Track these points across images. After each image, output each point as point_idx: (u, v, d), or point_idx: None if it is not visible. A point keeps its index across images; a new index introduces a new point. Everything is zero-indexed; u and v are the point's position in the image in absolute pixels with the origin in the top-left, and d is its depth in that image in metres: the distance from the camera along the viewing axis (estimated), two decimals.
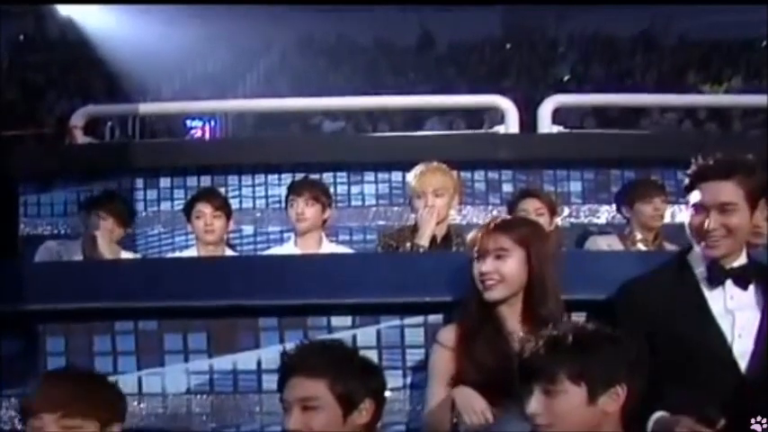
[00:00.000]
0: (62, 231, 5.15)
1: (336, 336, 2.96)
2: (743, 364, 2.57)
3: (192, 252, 4.45)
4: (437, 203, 4.05)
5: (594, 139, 5.95)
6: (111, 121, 10.95)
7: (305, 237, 4.29)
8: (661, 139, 6.70)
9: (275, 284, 3.06)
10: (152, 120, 12.56)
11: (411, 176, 4.15)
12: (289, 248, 4.34)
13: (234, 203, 4.71)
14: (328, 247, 4.34)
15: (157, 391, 3.05)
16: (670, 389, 2.50)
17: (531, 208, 4.33)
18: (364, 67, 18.22)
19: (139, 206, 5.05)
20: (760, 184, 2.62)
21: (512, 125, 5.56)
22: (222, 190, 4.87)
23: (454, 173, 4.29)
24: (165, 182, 5.18)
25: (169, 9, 16.24)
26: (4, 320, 3.00)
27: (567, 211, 5.10)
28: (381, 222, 5.09)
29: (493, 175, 5.18)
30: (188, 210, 4.42)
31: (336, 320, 3.05)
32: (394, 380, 2.95)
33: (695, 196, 2.63)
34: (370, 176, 5.17)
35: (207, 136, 13.85)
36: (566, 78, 18.05)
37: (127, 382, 3.00)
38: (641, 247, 4.38)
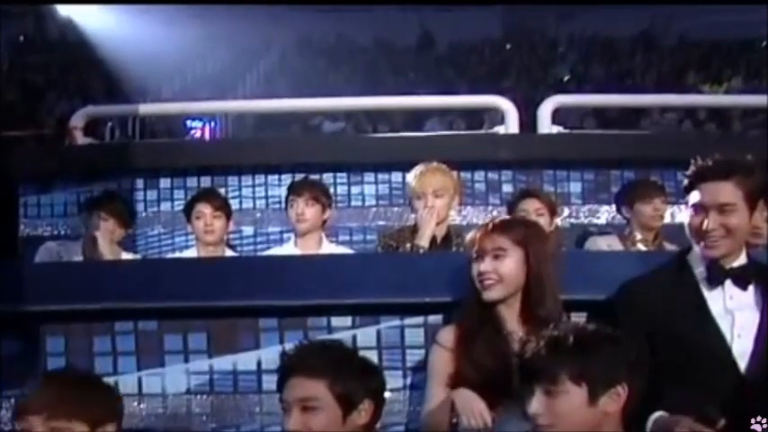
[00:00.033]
0: (62, 232, 5.15)
1: (336, 336, 2.96)
2: (742, 363, 2.57)
3: (191, 252, 4.45)
4: (437, 204, 4.05)
5: (594, 140, 5.95)
6: (111, 122, 10.96)
7: (305, 237, 4.29)
8: (661, 139, 6.69)
9: (275, 285, 3.06)
10: (152, 120, 12.54)
11: (411, 177, 4.15)
12: (289, 249, 4.34)
13: (234, 204, 4.71)
14: (328, 248, 4.34)
15: (157, 391, 3.05)
16: (670, 389, 2.50)
17: (531, 208, 4.32)
18: (364, 68, 18.22)
19: (139, 207, 5.05)
20: (759, 184, 2.62)
21: (512, 125, 5.56)
22: (222, 190, 4.87)
23: (454, 173, 4.29)
24: (164, 182, 5.18)
25: (169, 9, 16.25)
26: (4, 320, 3.00)
27: (566, 211, 5.11)
28: (381, 223, 5.09)
29: (493, 175, 5.18)
30: (188, 210, 4.42)
31: (336, 321, 3.05)
32: (394, 380, 2.95)
33: (694, 197, 2.64)
34: (370, 177, 5.17)
35: (207, 136, 13.85)
36: (565, 79, 18.05)
37: (127, 383, 3.01)
38: (641, 247, 4.39)
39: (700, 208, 2.62)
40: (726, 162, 2.62)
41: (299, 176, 4.67)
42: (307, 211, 4.25)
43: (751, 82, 16.55)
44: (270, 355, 3.00)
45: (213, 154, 5.45)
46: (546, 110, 5.55)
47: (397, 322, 3.04)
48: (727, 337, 2.60)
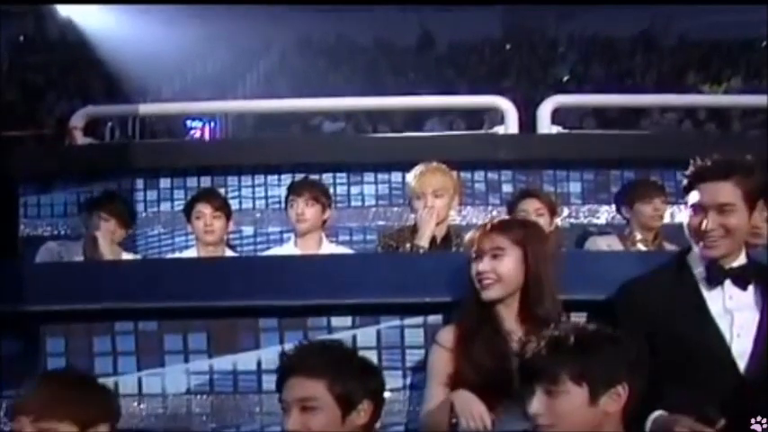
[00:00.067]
0: (62, 232, 5.15)
1: (336, 336, 2.96)
2: (742, 363, 2.58)
3: (191, 252, 4.46)
4: (437, 204, 4.05)
5: (594, 140, 5.96)
6: (111, 122, 10.96)
7: (305, 237, 4.29)
8: (661, 139, 6.69)
9: (275, 285, 3.06)
10: (152, 120, 12.54)
11: (411, 177, 4.15)
12: (288, 249, 4.35)
13: (234, 204, 4.71)
14: (328, 248, 4.34)
15: (157, 391, 3.05)
16: (669, 389, 2.50)
17: (532, 208, 4.32)
18: (364, 68, 18.22)
19: (139, 207, 5.04)
20: (758, 184, 2.63)
21: (511, 126, 5.56)
22: (222, 190, 4.87)
23: (454, 173, 4.28)
24: (164, 182, 5.18)
25: (169, 9, 16.25)
26: (4, 321, 3.00)
27: (566, 211, 5.11)
28: (381, 223, 5.09)
29: (492, 175, 5.18)
30: (188, 210, 4.42)
31: (336, 321, 3.05)
32: (394, 380, 2.96)
33: (693, 197, 2.64)
34: (369, 177, 5.17)
35: (207, 136, 13.84)
36: (565, 79, 18.05)
37: (127, 383, 3.02)
38: (641, 247, 4.39)
39: (699, 208, 2.62)
40: (725, 162, 2.62)
41: (298, 176, 4.67)
42: (307, 211, 4.25)
43: (751, 82, 16.55)
44: (270, 355, 3.00)
45: (213, 154, 5.45)
46: (545, 110, 5.55)
47: (396, 322, 3.04)
48: (727, 336, 2.60)
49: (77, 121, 5.80)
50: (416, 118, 13.51)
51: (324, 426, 2.30)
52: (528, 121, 6.01)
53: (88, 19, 17.52)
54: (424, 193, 4.06)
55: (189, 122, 14.06)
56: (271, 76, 18.06)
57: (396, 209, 5.09)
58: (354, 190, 5.17)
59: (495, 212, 4.95)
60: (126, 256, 4.48)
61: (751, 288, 2.65)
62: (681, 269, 2.71)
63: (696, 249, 2.67)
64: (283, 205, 4.46)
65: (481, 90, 10.25)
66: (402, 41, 19.81)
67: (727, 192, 2.59)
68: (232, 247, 4.73)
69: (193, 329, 3.06)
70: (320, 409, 2.31)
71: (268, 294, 3.03)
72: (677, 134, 11.57)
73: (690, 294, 2.66)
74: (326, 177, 5.00)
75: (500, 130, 5.64)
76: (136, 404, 3.03)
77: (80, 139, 5.74)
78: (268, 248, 4.90)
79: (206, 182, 5.13)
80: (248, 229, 5.12)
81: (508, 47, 20.40)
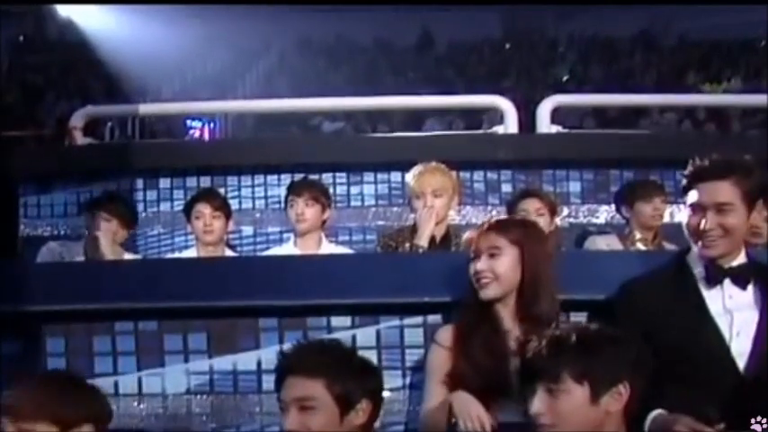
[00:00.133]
0: (62, 232, 5.15)
1: (336, 336, 2.96)
2: (741, 363, 2.58)
3: (191, 252, 4.46)
4: (436, 204, 4.05)
5: (594, 140, 5.96)
6: (111, 122, 10.96)
7: (304, 237, 4.29)
8: (660, 139, 6.70)
9: (275, 285, 3.06)
10: (152, 120, 12.54)
11: (410, 177, 4.15)
12: (288, 249, 4.35)
13: (233, 204, 4.71)
14: (328, 248, 4.34)
15: (157, 391, 3.05)
16: (669, 388, 2.50)
17: (532, 208, 4.32)
18: (364, 68, 18.22)
19: (139, 207, 5.04)
20: (757, 184, 2.62)
21: (511, 125, 5.56)
22: (222, 190, 4.87)
23: (453, 173, 4.28)
24: (164, 182, 5.19)
25: (169, 9, 16.24)
26: (4, 321, 3.00)
27: (566, 211, 5.11)
28: (381, 223, 5.10)
29: (492, 175, 5.19)
30: (188, 210, 4.42)
31: (336, 321, 3.05)
32: (393, 380, 2.96)
33: (692, 196, 2.64)
34: (369, 177, 5.18)
35: (206, 137, 13.85)
36: (565, 79, 18.05)
37: (127, 383, 3.02)
38: (641, 246, 4.39)
39: (698, 208, 2.62)
40: (723, 162, 2.62)
41: (298, 176, 4.67)
42: (306, 211, 4.25)
43: (751, 82, 16.55)
44: (270, 355, 2.99)
45: (213, 154, 5.46)
46: (545, 110, 5.55)
47: (396, 322, 3.05)
48: (726, 336, 2.60)
49: (77, 121, 5.81)
50: (416, 118, 13.51)
51: (322, 425, 2.30)
52: (527, 120, 6.02)
53: (88, 19, 17.53)
54: (423, 192, 4.07)
55: (189, 122, 14.06)
56: (270, 77, 18.06)
57: (395, 209, 5.09)
58: (354, 190, 5.18)
59: (494, 212, 4.95)
60: (128, 256, 4.48)
61: (750, 288, 2.64)
62: (680, 269, 2.71)
63: (695, 249, 2.67)
64: (283, 205, 4.46)
65: (481, 90, 10.25)
66: (401, 41, 19.82)
67: (725, 191, 2.59)
68: (232, 247, 4.73)
69: (193, 329, 3.06)
70: (319, 409, 2.30)
71: (268, 294, 3.03)
72: (677, 134, 11.57)
73: (689, 294, 2.66)
74: (326, 177, 5.00)
75: (499, 129, 5.65)
76: (136, 404, 3.03)
77: (80, 139, 5.74)
78: (268, 248, 4.90)
79: (206, 182, 5.13)
80: (248, 229, 5.13)
81: (508, 47, 20.41)
